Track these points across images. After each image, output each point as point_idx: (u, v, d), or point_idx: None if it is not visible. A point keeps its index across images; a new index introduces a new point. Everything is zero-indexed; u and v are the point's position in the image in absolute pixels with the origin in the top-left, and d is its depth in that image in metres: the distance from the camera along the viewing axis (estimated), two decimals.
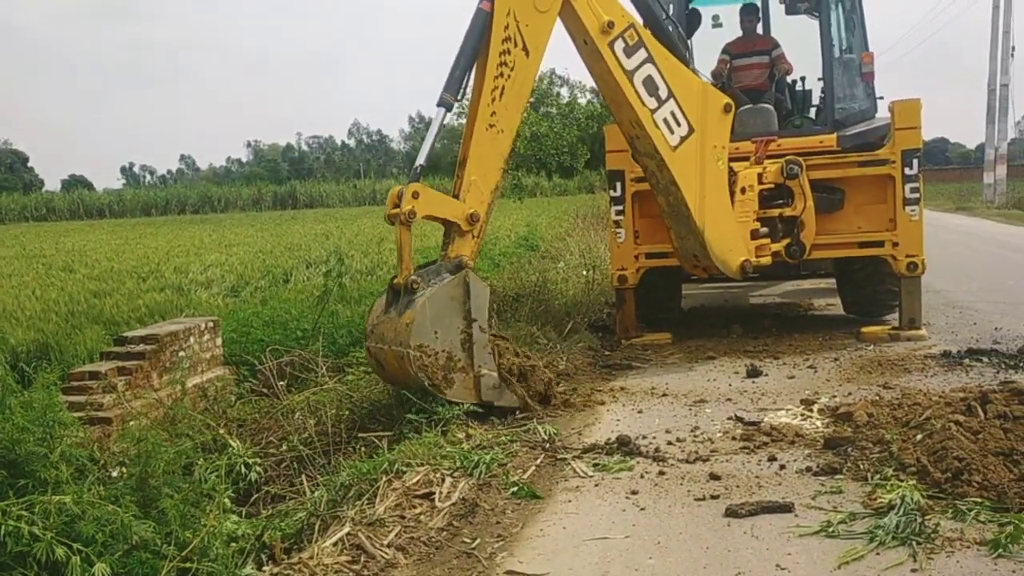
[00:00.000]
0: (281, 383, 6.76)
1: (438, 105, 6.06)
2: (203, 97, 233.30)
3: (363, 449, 5.32)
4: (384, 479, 4.54)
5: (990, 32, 32.79)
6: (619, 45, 6.77)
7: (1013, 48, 32.39)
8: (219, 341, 8.23)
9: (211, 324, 8.15)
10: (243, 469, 4.62)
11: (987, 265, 14.47)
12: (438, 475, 4.64)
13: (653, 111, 7.04)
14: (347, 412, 6.07)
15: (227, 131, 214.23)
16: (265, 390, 6.86)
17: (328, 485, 4.59)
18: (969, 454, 4.33)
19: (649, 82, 6.97)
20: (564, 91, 60.68)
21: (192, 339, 7.71)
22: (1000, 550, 3.54)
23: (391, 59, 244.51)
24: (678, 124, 7.19)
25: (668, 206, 7.58)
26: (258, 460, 4.92)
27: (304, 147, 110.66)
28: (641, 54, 6.89)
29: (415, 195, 5.78)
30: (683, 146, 7.24)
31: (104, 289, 11.98)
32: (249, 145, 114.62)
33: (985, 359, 7.02)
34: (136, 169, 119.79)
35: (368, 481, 4.55)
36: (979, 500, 3.98)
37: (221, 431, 5.31)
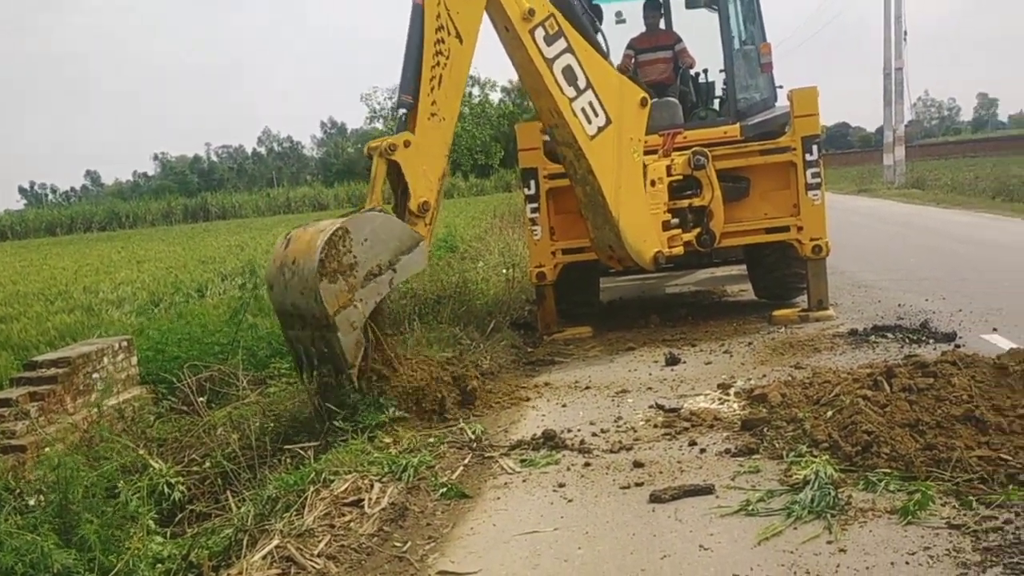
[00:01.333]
0: (201, 399, 6.65)
1: (398, 107, 6.30)
2: (105, 111, 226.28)
3: (289, 461, 5.28)
4: (312, 489, 4.53)
5: (883, 18, 34.06)
6: (539, 33, 6.93)
7: (905, 33, 33.66)
8: (134, 360, 8.05)
9: (125, 343, 7.96)
10: (166, 489, 4.56)
11: (889, 245, 15.04)
12: (366, 481, 4.64)
13: (572, 100, 7.21)
14: (271, 425, 6.01)
15: (132, 144, 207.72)
16: (185, 407, 6.73)
17: (255, 499, 4.55)
18: (877, 427, 4.51)
19: (568, 71, 7.13)
20: (475, 90, 60.75)
21: (106, 360, 7.53)
22: (909, 517, 3.72)
23: (300, 65, 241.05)
24: (596, 114, 7.37)
25: (585, 196, 7.71)
26: (181, 479, 4.87)
27: (214, 158, 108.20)
28: (561, 43, 7.06)
29: (407, 144, 6.02)
30: (600, 136, 7.42)
31: (10, 313, 11.56)
32: (156, 158, 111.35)
33: (890, 335, 7.33)
34: (37, 188, 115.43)
35: (295, 492, 4.53)
36: (888, 471, 4.16)
37: (141, 452, 5.20)
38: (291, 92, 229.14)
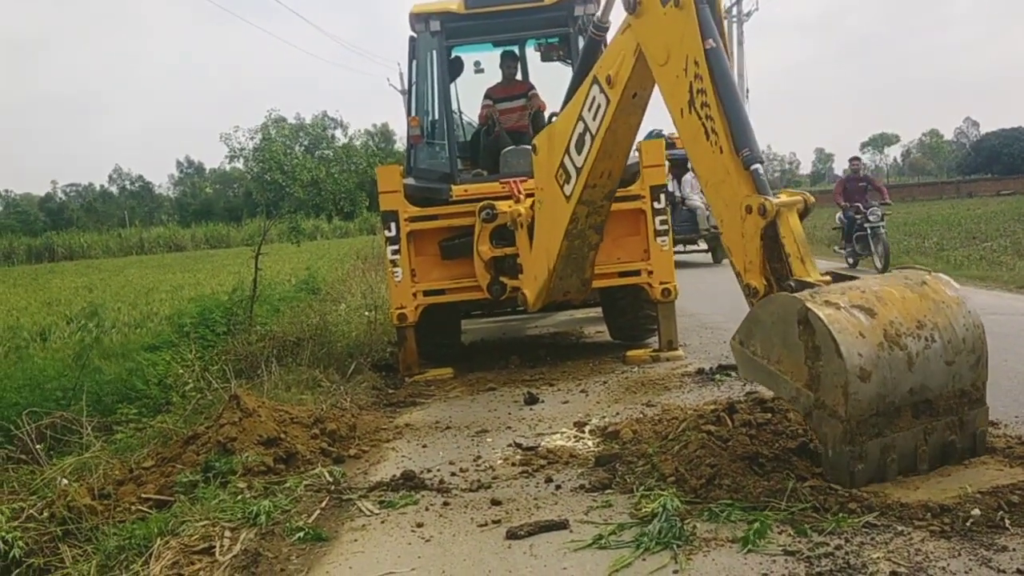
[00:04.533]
0: (40, 447, 6.31)
1: (748, 164, 5.04)
2: None
3: (138, 510, 5.08)
4: (159, 539, 4.38)
5: None
6: None
7: (748, 91, 35.82)
8: None
9: None
10: (1, 544, 4.31)
11: (734, 288, 15.73)
12: (218, 528, 4.52)
13: None
14: (117, 473, 5.76)
15: None
16: (24, 456, 6.37)
17: (98, 551, 4.36)
18: (720, 461, 4.74)
19: None
20: (339, 133, 60.02)
21: None
22: (749, 546, 3.90)
23: (152, 102, 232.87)
24: None
25: (571, 249, 7.61)
26: (18, 534, 4.60)
27: (62, 196, 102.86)
28: None
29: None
30: None
31: None
32: None
33: (733, 373, 7.65)
34: None
35: (142, 542, 4.37)
36: (730, 502, 4.35)
37: None
38: (143, 130, 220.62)
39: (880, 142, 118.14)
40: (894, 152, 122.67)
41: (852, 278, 4.81)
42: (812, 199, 5.05)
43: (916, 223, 29.58)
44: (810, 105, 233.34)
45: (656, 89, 5.92)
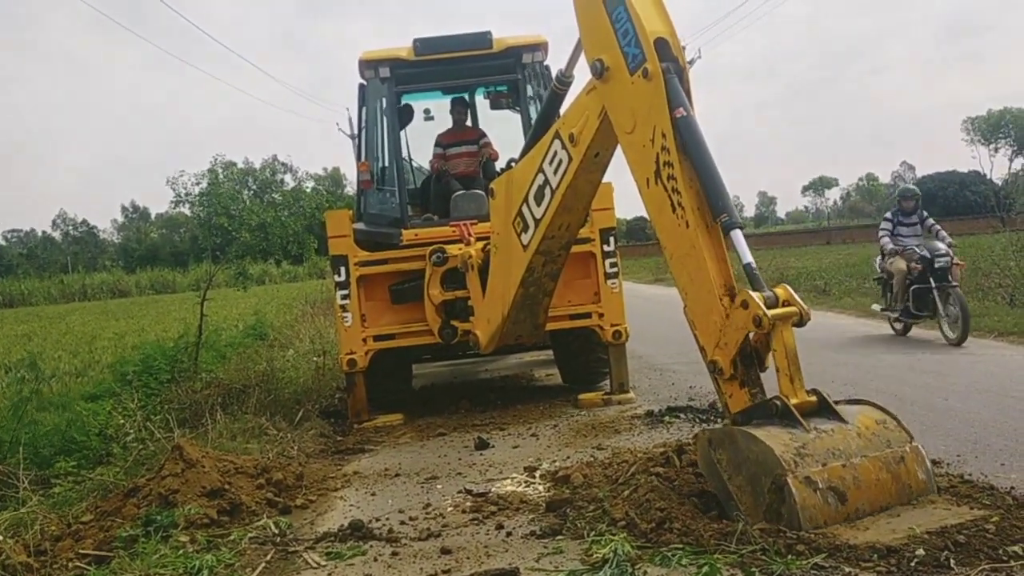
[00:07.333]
0: None
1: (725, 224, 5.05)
2: None
3: (76, 567, 4.92)
4: None
5: None
6: None
7: None
8: None
9: None
10: None
11: (682, 330, 15.84)
12: None
13: None
14: (53, 528, 5.58)
15: None
16: None
17: None
18: (670, 504, 4.74)
19: None
20: (288, 177, 59.77)
21: None
22: None
23: (96, 146, 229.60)
24: None
25: (526, 296, 7.59)
26: None
27: (2, 242, 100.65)
28: None
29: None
30: None
31: None
32: None
33: (682, 415, 7.77)
34: None
35: None
36: (680, 546, 4.33)
37: None
38: (88, 174, 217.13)
39: (820, 185, 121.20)
40: (833, 195, 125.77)
41: (839, 418, 4.72)
42: (808, 313, 4.87)
43: (857, 264, 30.18)
44: (753, 150, 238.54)
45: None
